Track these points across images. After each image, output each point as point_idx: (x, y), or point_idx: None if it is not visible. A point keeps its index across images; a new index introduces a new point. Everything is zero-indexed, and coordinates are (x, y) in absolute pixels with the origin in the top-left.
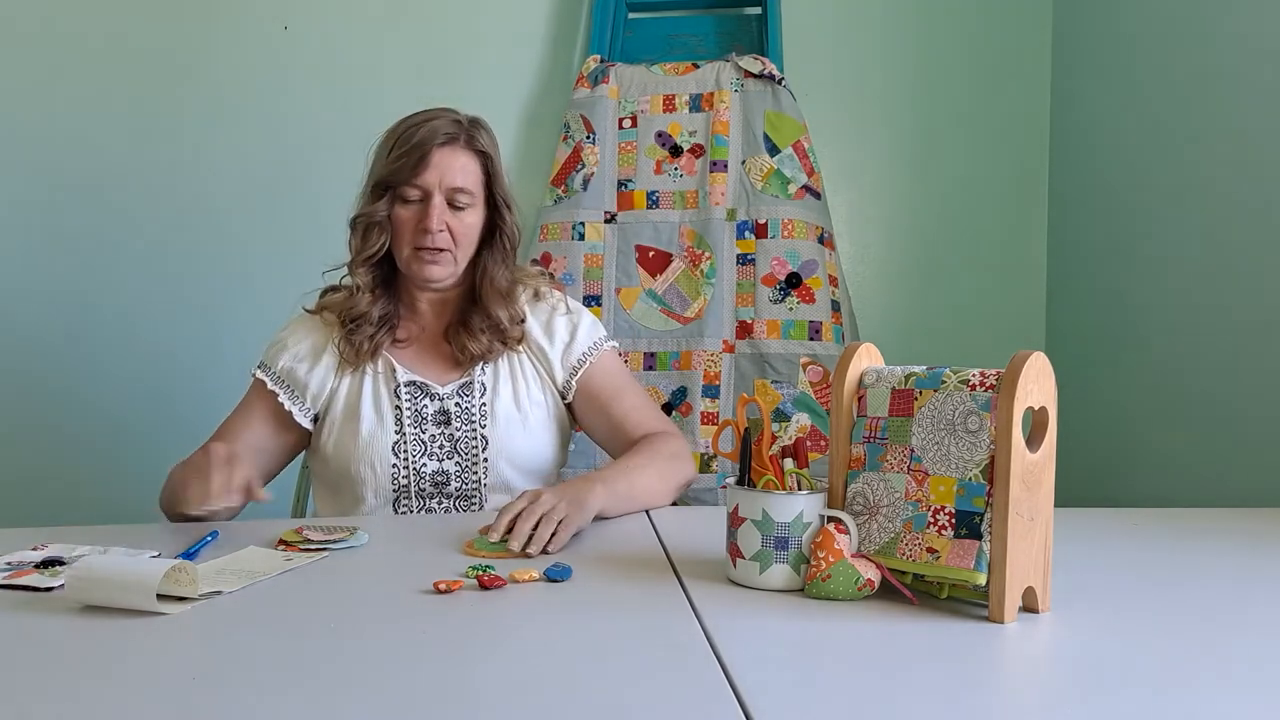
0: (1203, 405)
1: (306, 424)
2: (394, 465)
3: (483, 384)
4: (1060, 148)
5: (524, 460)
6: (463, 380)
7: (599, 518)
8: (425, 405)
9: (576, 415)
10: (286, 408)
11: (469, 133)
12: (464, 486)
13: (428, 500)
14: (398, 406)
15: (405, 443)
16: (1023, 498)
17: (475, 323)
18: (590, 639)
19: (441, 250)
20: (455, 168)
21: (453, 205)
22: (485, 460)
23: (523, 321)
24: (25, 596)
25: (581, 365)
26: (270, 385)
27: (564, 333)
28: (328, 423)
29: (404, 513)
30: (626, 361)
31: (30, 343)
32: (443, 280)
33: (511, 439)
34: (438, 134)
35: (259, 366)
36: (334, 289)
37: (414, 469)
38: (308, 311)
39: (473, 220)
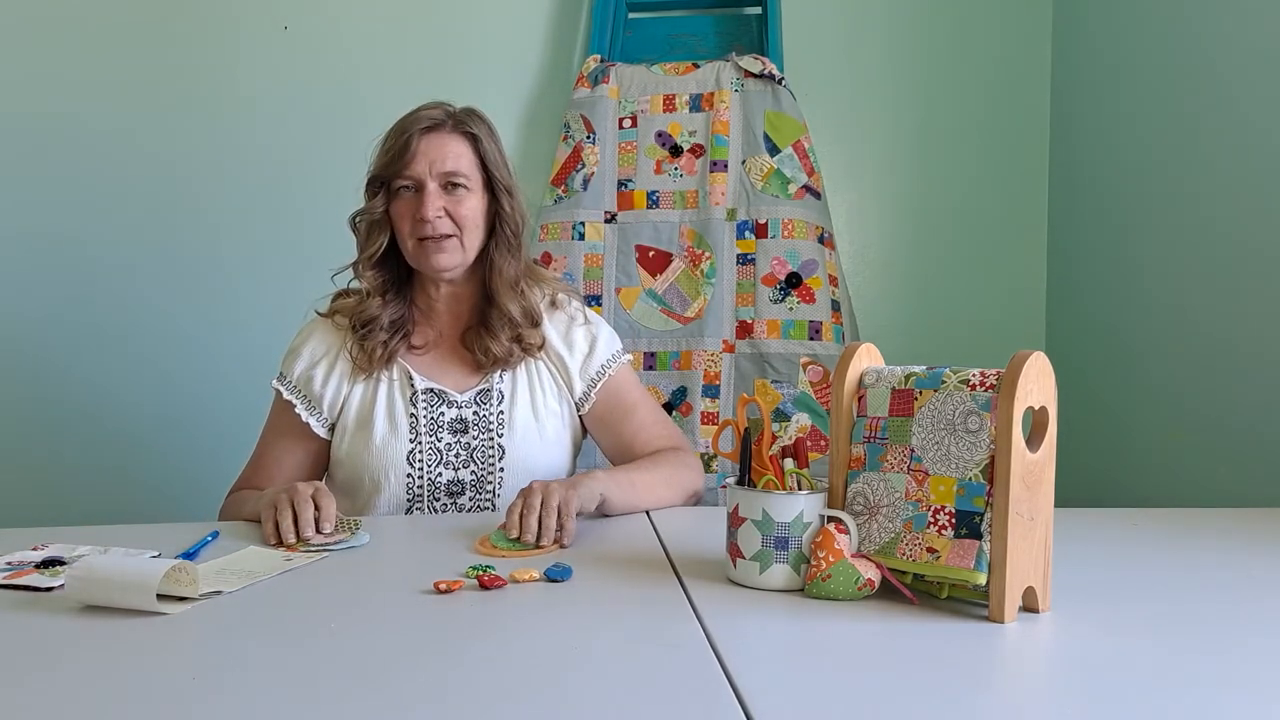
0: (1202, 405)
1: (324, 434)
2: (409, 474)
3: (500, 391)
4: (1060, 148)
5: (540, 470)
6: (481, 387)
7: (602, 514)
8: (442, 413)
9: (588, 427)
10: (304, 419)
11: (457, 118)
12: (479, 496)
13: (441, 510)
14: (413, 414)
15: (420, 451)
16: (1023, 498)
17: (494, 321)
18: (590, 639)
19: (446, 236)
20: (445, 152)
21: (450, 191)
22: (501, 469)
23: (538, 324)
24: (25, 596)
25: (600, 378)
26: (287, 395)
27: (583, 344)
28: (340, 429)
29: None
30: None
31: (31, 342)
32: (453, 268)
33: (528, 448)
34: (421, 121)
35: (278, 377)
36: (346, 293)
37: (429, 478)
38: (320, 315)
39: (473, 204)
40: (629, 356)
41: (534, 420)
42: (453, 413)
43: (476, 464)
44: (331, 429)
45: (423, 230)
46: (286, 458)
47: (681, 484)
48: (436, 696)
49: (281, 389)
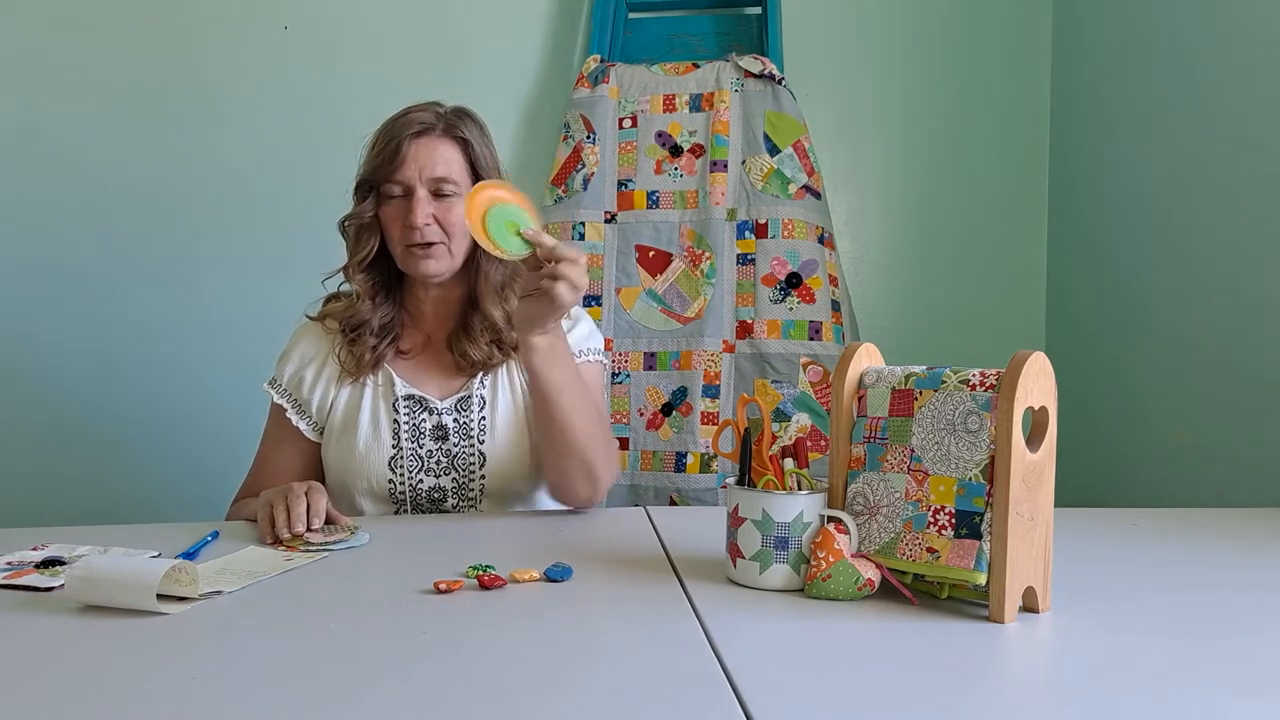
0: (1203, 405)
1: (313, 437)
2: (390, 480)
3: (481, 397)
4: (1060, 148)
5: (521, 478)
6: (460, 395)
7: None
8: (423, 420)
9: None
10: (294, 423)
11: (448, 121)
12: (460, 503)
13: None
14: (395, 421)
15: (402, 458)
16: (1023, 498)
17: (475, 325)
18: (590, 639)
19: (432, 244)
20: (434, 158)
21: (439, 196)
22: (482, 477)
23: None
24: (25, 596)
25: None
26: (278, 398)
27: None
28: (327, 433)
29: None
30: (618, 371)
31: (31, 343)
32: (440, 275)
33: (509, 455)
34: (411, 126)
35: (270, 382)
36: (337, 296)
37: (410, 484)
38: (310, 319)
39: (462, 210)
40: (600, 360)
41: (514, 427)
42: (433, 420)
43: (457, 471)
44: (320, 433)
45: (411, 237)
46: (284, 462)
47: (607, 438)
48: (436, 696)
49: (273, 393)
